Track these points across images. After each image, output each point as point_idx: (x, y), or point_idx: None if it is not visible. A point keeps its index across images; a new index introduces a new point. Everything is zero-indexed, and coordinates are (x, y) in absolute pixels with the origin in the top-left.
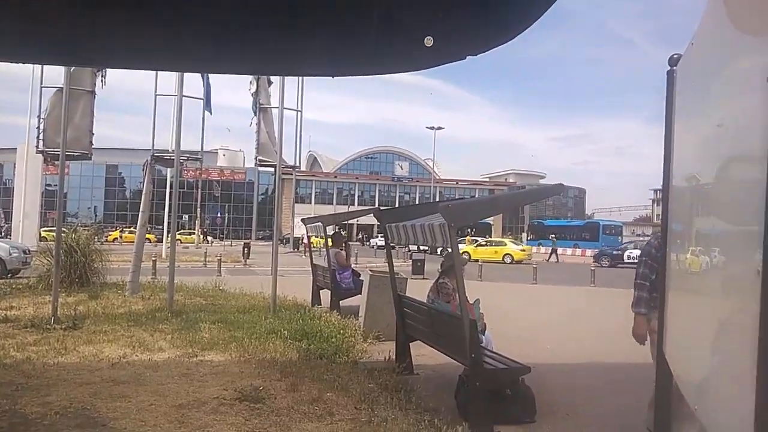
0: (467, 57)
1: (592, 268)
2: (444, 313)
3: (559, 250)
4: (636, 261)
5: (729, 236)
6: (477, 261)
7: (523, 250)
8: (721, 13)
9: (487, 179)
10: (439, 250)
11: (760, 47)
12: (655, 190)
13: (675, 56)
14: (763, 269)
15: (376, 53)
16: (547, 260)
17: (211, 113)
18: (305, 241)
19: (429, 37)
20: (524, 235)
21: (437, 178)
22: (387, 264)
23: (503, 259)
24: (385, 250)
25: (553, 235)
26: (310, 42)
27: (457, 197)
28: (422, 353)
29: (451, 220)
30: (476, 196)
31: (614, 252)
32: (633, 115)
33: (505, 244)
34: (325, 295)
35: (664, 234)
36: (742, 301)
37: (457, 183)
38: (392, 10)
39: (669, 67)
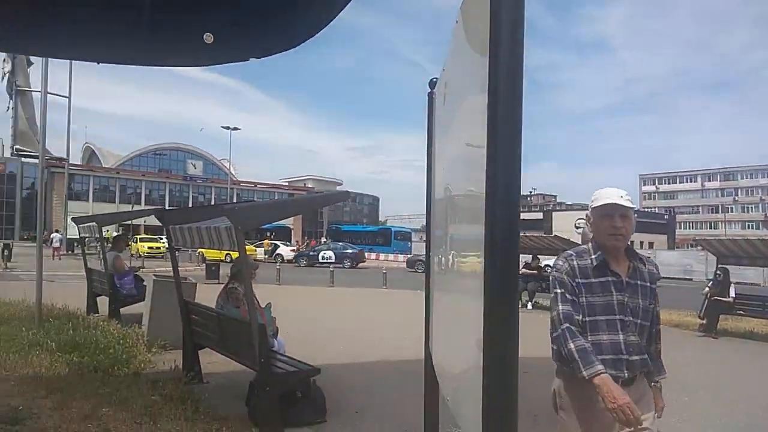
0: (251, 59)
1: (384, 272)
2: (233, 318)
3: None
4: (329, 261)
5: (466, 241)
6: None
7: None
8: (460, 43)
9: (287, 183)
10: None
11: (483, 76)
12: None
13: (434, 80)
14: (485, 270)
15: (149, 42)
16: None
17: None
18: (55, 244)
19: (209, 33)
20: (323, 239)
21: (234, 179)
22: (172, 268)
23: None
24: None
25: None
26: (70, 21)
27: (255, 200)
28: (213, 361)
29: (238, 223)
30: (276, 199)
31: (311, 253)
32: (419, 131)
33: None
34: (105, 302)
35: (428, 240)
36: (474, 299)
37: (255, 186)
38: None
39: (429, 90)
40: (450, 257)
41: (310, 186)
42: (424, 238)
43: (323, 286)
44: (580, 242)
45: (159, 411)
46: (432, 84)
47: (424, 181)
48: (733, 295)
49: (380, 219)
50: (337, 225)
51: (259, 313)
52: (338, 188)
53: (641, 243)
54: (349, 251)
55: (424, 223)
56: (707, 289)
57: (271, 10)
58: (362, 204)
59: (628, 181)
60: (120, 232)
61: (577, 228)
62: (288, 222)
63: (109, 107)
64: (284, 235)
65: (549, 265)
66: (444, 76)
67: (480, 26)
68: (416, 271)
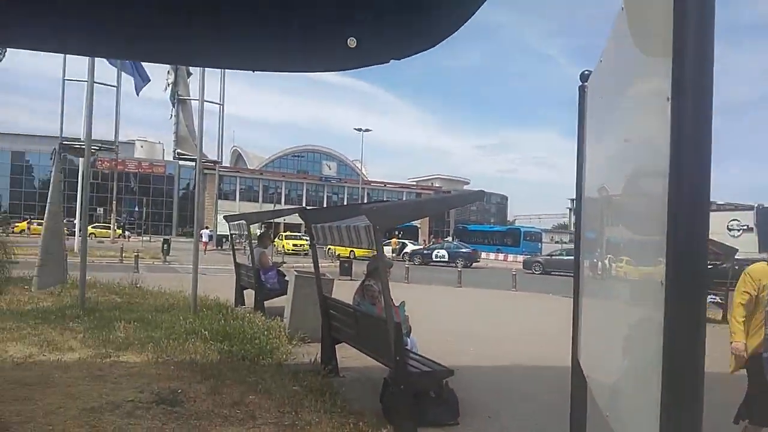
0: (391, 60)
1: (514, 273)
2: (369, 315)
3: (483, 254)
4: (442, 260)
5: (635, 245)
6: None
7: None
8: (626, 33)
9: (414, 183)
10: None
11: (661, 68)
12: (572, 200)
13: (586, 72)
14: (666, 279)
15: (298, 50)
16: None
17: (137, 94)
18: (204, 239)
19: (352, 38)
20: (449, 238)
21: (365, 179)
22: (313, 264)
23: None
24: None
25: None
26: (229, 33)
27: (385, 199)
28: (348, 355)
29: (376, 222)
30: (404, 198)
31: (424, 252)
32: (551, 127)
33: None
34: (250, 295)
35: (577, 242)
36: (647, 308)
37: (385, 185)
38: (316, 7)
39: (581, 83)
40: (609, 261)
41: (437, 185)
42: (556, 240)
43: (451, 285)
44: (735, 246)
45: (300, 402)
46: (584, 77)
47: (557, 179)
48: None
49: (509, 219)
50: (464, 225)
51: (393, 311)
52: (465, 187)
53: None
54: (463, 250)
55: (557, 224)
56: None
57: (412, 10)
58: (490, 203)
59: None
60: (263, 230)
61: (730, 231)
62: (416, 221)
63: (254, 112)
64: (412, 234)
65: None
66: (602, 68)
67: (655, 17)
68: (533, 273)
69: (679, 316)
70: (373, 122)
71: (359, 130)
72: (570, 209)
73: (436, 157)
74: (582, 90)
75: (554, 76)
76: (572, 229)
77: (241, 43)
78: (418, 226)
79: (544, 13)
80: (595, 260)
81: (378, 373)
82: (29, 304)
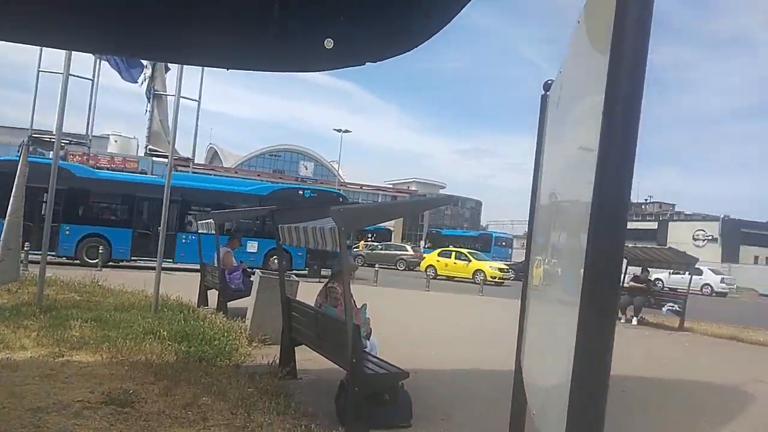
0: (367, 63)
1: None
2: (330, 317)
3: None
4: None
5: (570, 249)
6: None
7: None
8: (583, 38)
9: (391, 185)
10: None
11: (595, 87)
12: None
13: (549, 82)
14: (583, 280)
15: (274, 50)
16: None
17: (136, 81)
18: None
19: (329, 39)
20: (422, 242)
21: (341, 181)
22: (278, 265)
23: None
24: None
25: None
26: (204, 32)
27: (360, 201)
28: (309, 358)
29: (342, 224)
30: (379, 201)
31: None
32: (528, 133)
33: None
34: (214, 295)
35: (528, 247)
36: (571, 310)
37: (361, 187)
38: (293, 9)
39: (543, 92)
40: (550, 266)
41: (413, 189)
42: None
43: (419, 289)
44: (696, 256)
45: (254, 403)
46: (546, 86)
47: (529, 185)
48: None
49: (482, 224)
50: (437, 229)
51: (354, 314)
52: (441, 191)
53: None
54: None
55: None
56: None
57: (389, 15)
58: (464, 208)
59: (763, 193)
60: (232, 229)
61: (695, 240)
62: (389, 224)
63: (231, 109)
64: (384, 237)
65: (659, 279)
66: (560, 78)
67: (603, 24)
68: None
69: (591, 315)
70: (354, 123)
71: (339, 131)
72: None
73: (415, 160)
74: (544, 99)
75: (538, 81)
76: None
77: (216, 41)
78: (391, 229)
79: (532, 18)
80: (539, 265)
81: (336, 376)
82: None
